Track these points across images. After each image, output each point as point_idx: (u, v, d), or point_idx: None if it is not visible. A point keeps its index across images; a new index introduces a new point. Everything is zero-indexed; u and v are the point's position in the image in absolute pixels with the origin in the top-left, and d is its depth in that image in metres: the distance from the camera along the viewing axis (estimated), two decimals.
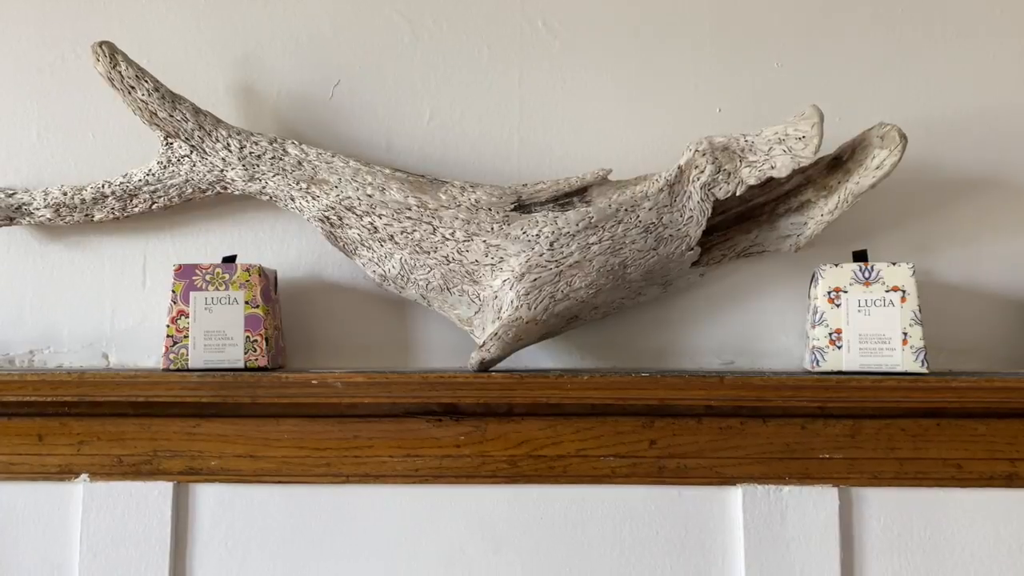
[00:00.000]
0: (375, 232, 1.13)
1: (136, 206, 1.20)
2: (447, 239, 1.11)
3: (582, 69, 1.28)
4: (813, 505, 1.11)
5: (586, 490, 1.14)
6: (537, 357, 1.24)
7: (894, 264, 1.08)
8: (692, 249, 1.11)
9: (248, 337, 1.11)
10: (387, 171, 1.14)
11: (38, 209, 1.21)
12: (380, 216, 1.12)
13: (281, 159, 1.16)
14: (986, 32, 1.27)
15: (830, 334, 1.08)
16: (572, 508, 1.14)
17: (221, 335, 1.10)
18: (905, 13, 1.27)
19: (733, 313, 1.24)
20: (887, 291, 1.07)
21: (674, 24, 1.28)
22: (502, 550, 1.14)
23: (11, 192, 1.22)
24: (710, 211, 1.08)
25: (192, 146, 1.16)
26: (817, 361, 1.09)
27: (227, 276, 1.11)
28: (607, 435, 1.12)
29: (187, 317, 1.10)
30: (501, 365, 1.16)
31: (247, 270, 1.12)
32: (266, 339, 1.11)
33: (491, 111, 1.27)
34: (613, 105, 1.27)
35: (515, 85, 1.28)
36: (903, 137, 1.05)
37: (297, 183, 1.15)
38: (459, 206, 1.11)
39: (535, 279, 1.09)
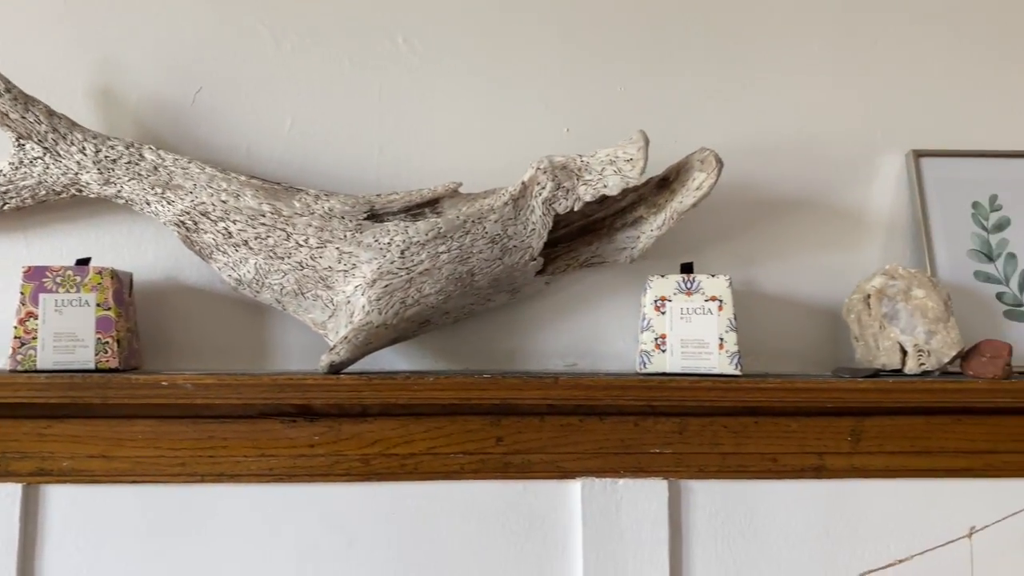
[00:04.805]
0: (230, 237, 1.16)
1: None
2: (301, 245, 1.15)
3: (440, 86, 1.34)
4: (645, 496, 1.19)
5: (436, 486, 1.19)
6: (393, 360, 1.29)
7: (713, 276, 1.18)
8: (535, 259, 1.18)
9: (99, 339, 1.12)
10: (242, 178, 1.18)
11: None
12: (234, 222, 1.15)
13: (137, 164, 1.17)
14: (802, 69, 1.39)
15: (656, 339, 1.18)
16: (423, 503, 1.19)
17: (71, 336, 1.11)
18: (734, 48, 1.38)
19: (576, 319, 1.32)
20: (706, 300, 1.17)
21: (527, 47, 1.35)
22: (355, 545, 1.18)
23: None
24: (551, 224, 1.16)
25: (45, 148, 1.17)
26: (644, 363, 1.18)
27: (78, 279, 1.12)
28: (456, 433, 1.18)
29: (36, 319, 1.10)
30: (356, 367, 1.21)
31: (99, 273, 1.13)
32: (118, 341, 1.13)
33: (352, 122, 1.32)
34: (469, 122, 1.34)
35: (376, 98, 1.32)
36: (719, 161, 1.16)
37: (152, 188, 1.16)
38: (312, 214, 1.15)
39: (386, 285, 1.14)
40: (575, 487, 1.20)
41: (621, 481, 1.20)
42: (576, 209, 1.16)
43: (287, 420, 1.17)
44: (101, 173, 1.17)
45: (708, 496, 1.21)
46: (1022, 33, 1.43)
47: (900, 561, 1.15)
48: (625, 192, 1.19)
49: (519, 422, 1.19)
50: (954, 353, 1.19)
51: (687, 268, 1.21)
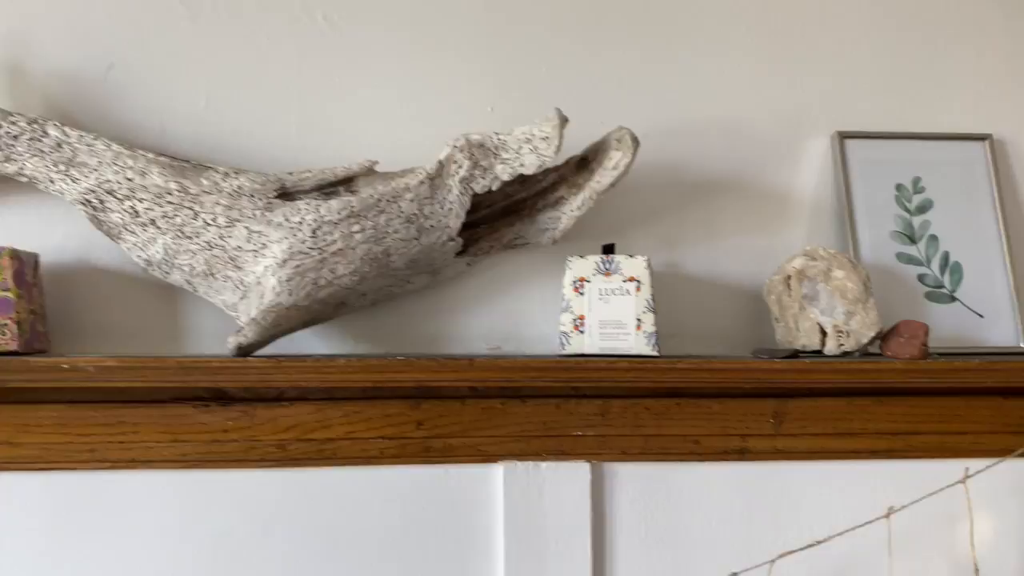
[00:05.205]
0: (137, 216, 1.12)
1: None
2: (209, 224, 1.12)
3: (361, 63, 1.31)
4: (568, 479, 1.18)
5: (355, 472, 1.17)
6: (312, 343, 1.26)
7: (631, 257, 1.17)
8: (453, 240, 1.16)
9: None
10: (150, 155, 1.14)
11: None
12: (141, 200, 1.12)
13: (40, 140, 1.13)
14: (728, 50, 1.38)
15: (574, 320, 1.17)
16: (341, 489, 1.17)
17: None
18: (659, 29, 1.37)
19: (500, 301, 1.30)
20: (624, 281, 1.16)
21: (451, 24, 1.33)
22: (272, 532, 1.16)
23: None
24: (469, 204, 1.14)
25: None
26: (564, 344, 1.17)
27: None
28: (376, 418, 1.16)
29: None
30: (271, 350, 1.18)
31: None
32: (18, 323, 1.09)
33: (269, 100, 1.29)
34: (390, 100, 1.31)
35: (294, 75, 1.29)
36: (635, 140, 1.14)
37: (56, 165, 1.13)
38: (220, 192, 1.12)
39: (297, 265, 1.11)
40: (497, 471, 1.18)
41: (544, 464, 1.19)
42: (494, 189, 1.14)
43: (200, 405, 1.14)
44: (1, 150, 1.13)
45: (631, 478, 1.21)
46: (946, 16, 1.44)
47: (819, 542, 1.14)
48: (546, 172, 1.18)
49: (440, 406, 1.17)
50: (873, 334, 1.19)
51: (608, 249, 1.20)
